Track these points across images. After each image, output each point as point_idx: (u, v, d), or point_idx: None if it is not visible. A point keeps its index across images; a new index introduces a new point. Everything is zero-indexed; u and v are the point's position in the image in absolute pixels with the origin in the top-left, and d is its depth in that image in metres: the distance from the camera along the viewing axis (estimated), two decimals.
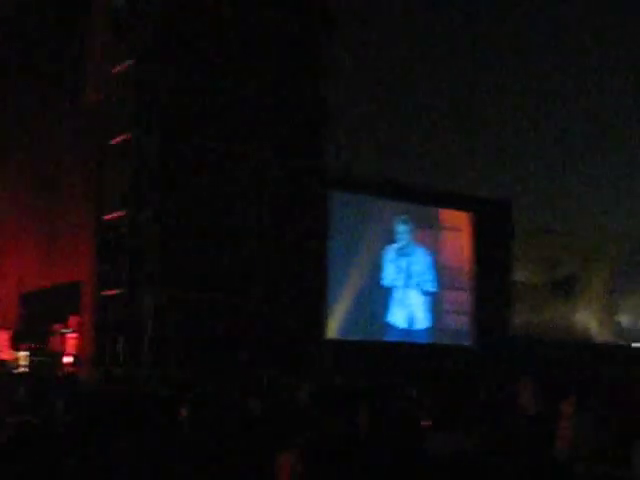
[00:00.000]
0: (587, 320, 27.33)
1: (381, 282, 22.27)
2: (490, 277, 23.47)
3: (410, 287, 22.80)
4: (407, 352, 21.42)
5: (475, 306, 23.78)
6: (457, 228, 24.30)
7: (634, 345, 28.78)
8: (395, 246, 22.62)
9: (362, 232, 22.12)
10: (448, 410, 4.26)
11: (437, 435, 4.28)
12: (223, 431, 5.28)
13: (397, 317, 22.47)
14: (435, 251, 23.61)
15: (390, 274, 22.45)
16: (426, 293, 23.09)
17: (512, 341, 23.52)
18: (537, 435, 4.39)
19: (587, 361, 22.10)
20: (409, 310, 22.71)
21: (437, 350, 22.11)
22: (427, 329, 23.05)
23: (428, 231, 23.67)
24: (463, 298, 23.96)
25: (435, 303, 23.35)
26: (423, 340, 22.79)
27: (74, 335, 18.35)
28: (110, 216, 17.02)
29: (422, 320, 22.96)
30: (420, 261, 23.09)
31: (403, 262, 22.69)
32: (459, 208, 24.26)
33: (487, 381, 8.37)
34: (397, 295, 22.54)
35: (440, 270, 23.62)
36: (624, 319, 28.96)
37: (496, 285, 23.57)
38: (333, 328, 20.82)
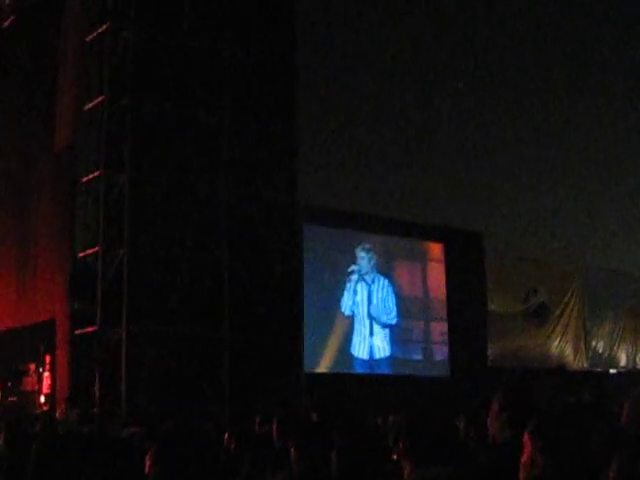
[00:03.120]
0: (562, 348, 27.41)
1: (342, 311, 21.95)
2: (465, 307, 23.55)
3: (371, 317, 22.47)
4: (383, 384, 21.31)
5: (451, 336, 23.81)
6: (432, 259, 24.43)
7: (611, 371, 28.87)
8: (355, 272, 22.18)
9: (336, 265, 22.05)
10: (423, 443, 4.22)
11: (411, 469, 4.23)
12: (193, 468, 5.22)
13: (358, 348, 22.10)
14: (408, 282, 23.61)
15: (349, 301, 22.14)
16: (386, 324, 22.77)
17: (489, 371, 23.54)
18: (503, 465, 4.35)
19: (563, 389, 22.11)
20: (370, 340, 22.32)
21: (411, 382, 21.91)
22: (389, 358, 22.75)
23: (401, 262, 23.67)
24: (439, 329, 23.99)
25: (405, 334, 23.19)
26: (386, 371, 22.51)
27: (49, 374, 18.19)
28: (84, 253, 16.95)
29: (384, 350, 22.62)
30: (381, 290, 22.72)
31: (364, 289, 22.40)
32: (431, 239, 24.40)
33: (464, 412, 8.34)
34: (357, 324, 22.23)
35: (414, 301, 23.62)
36: (600, 346, 29.04)
37: (471, 315, 23.64)
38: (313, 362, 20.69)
